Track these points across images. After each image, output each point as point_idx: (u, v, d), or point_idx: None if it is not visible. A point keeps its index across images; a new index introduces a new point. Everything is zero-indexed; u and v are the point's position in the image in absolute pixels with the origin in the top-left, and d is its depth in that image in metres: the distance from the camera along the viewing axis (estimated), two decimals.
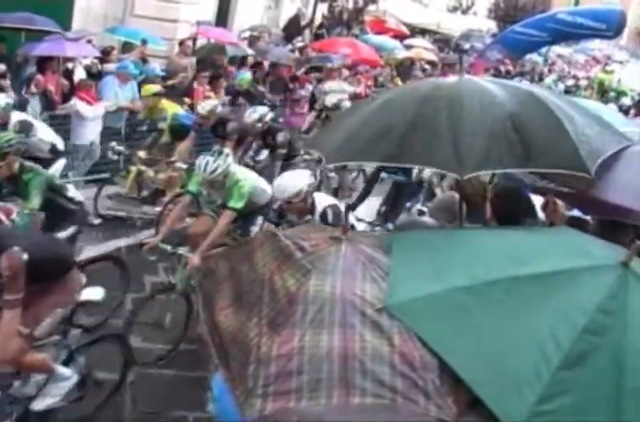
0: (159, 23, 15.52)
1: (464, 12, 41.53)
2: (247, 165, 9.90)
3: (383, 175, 9.38)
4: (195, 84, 13.27)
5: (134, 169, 10.09)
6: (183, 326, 6.60)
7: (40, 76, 10.97)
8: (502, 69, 26.51)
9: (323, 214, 6.47)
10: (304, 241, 3.13)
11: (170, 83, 13.14)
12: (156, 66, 13.50)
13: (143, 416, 5.70)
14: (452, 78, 4.24)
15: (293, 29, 21.81)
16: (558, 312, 2.78)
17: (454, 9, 41.66)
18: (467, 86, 3.97)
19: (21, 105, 10.11)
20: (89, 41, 13.70)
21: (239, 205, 6.87)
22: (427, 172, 9.59)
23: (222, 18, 18.88)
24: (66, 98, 11.44)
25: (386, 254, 3.09)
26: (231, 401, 2.80)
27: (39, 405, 4.78)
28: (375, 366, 2.69)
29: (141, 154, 10.19)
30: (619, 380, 2.66)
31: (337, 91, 13.40)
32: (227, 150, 7.09)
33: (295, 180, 6.53)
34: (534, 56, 30.99)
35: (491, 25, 38.34)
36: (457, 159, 3.51)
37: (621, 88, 27.95)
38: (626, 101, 24.28)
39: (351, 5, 26.06)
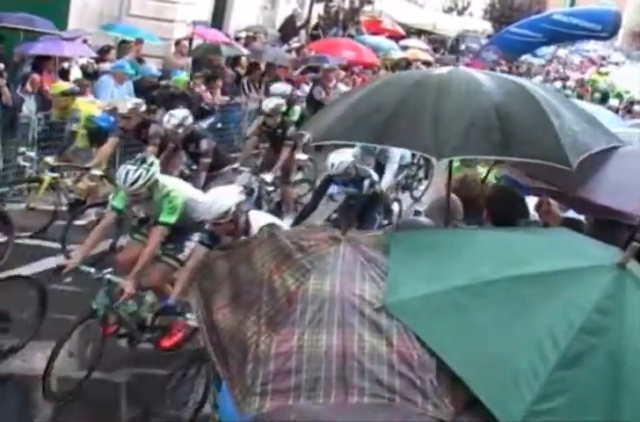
0: (155, 23, 15.54)
1: (460, 13, 41.60)
2: (182, 175, 9.22)
3: (332, 189, 8.91)
4: (191, 84, 13.27)
5: (46, 178, 9.19)
6: (98, 354, 6.17)
7: (36, 76, 10.98)
8: (497, 69, 26.55)
9: None
10: (303, 241, 3.14)
11: (163, 83, 13.14)
12: (152, 66, 13.51)
13: (139, 416, 5.68)
14: (445, 68, 4.28)
15: (289, 29, 21.85)
16: (556, 312, 2.79)
17: (450, 9, 41.73)
18: (458, 75, 4.02)
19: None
20: (84, 41, 13.71)
21: (171, 219, 6.29)
22: (384, 185, 9.45)
23: (219, 18, 18.89)
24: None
25: (385, 254, 3.10)
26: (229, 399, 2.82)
27: None
28: (374, 365, 2.70)
29: (49, 160, 9.26)
30: (616, 379, 2.66)
31: (277, 95, 12.06)
32: (151, 158, 6.42)
33: (222, 199, 5.78)
34: (529, 57, 31.08)
35: (487, 26, 38.43)
36: (435, 143, 3.54)
37: (616, 90, 28.01)
38: (614, 103, 24.27)
39: (347, 6, 26.07)
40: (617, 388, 2.65)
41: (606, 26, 23.63)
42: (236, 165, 9.92)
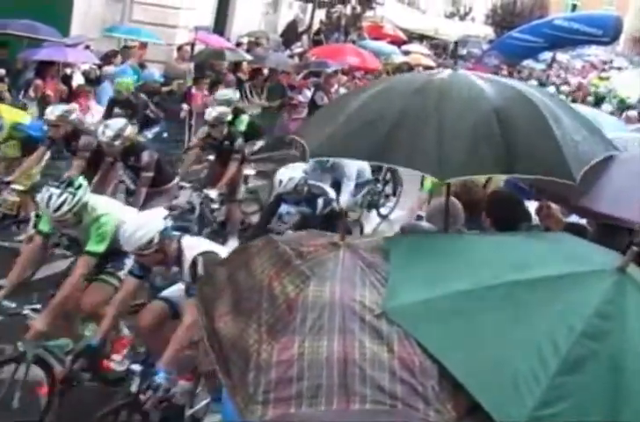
0: (158, 28, 15.57)
1: (462, 18, 41.65)
2: (127, 191, 8.60)
3: (284, 208, 7.99)
4: (194, 90, 13.29)
5: None
6: (40, 406, 5.35)
7: (38, 81, 11.03)
8: (501, 74, 26.57)
9: (194, 265, 5.09)
10: (302, 247, 3.13)
11: (164, 89, 13.15)
12: (155, 71, 13.53)
13: None
14: (446, 71, 4.11)
15: (291, 35, 21.89)
16: (556, 317, 2.79)
17: (452, 15, 41.80)
18: (458, 80, 3.89)
19: None
20: (87, 47, 13.76)
21: (99, 248, 5.60)
22: (342, 204, 8.56)
23: (221, 23, 18.93)
24: (64, 103, 11.45)
25: (385, 259, 3.10)
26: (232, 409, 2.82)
27: None
28: (375, 372, 2.69)
29: None
30: (617, 384, 2.66)
31: (221, 102, 10.80)
32: (79, 181, 5.63)
33: (143, 227, 5.03)
34: (531, 62, 31.11)
35: (489, 31, 38.45)
36: (439, 163, 3.42)
37: (617, 95, 27.99)
38: (606, 108, 24.21)
39: (349, 11, 26.10)
40: (618, 392, 2.65)
41: (607, 31, 23.61)
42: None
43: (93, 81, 12.65)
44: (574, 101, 23.84)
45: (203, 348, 4.98)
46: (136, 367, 5.08)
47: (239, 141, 9.31)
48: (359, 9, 26.60)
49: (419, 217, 6.58)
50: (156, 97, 12.85)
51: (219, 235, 9.28)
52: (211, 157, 10.02)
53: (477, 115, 3.59)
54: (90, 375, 5.52)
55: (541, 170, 3.60)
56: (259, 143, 11.69)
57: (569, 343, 2.69)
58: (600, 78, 35.06)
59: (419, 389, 2.68)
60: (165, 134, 12.63)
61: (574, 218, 5.67)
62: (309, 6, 23.60)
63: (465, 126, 3.54)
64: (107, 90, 12.01)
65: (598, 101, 26.67)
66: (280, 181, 7.54)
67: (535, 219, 5.41)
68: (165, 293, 5.66)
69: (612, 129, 6.97)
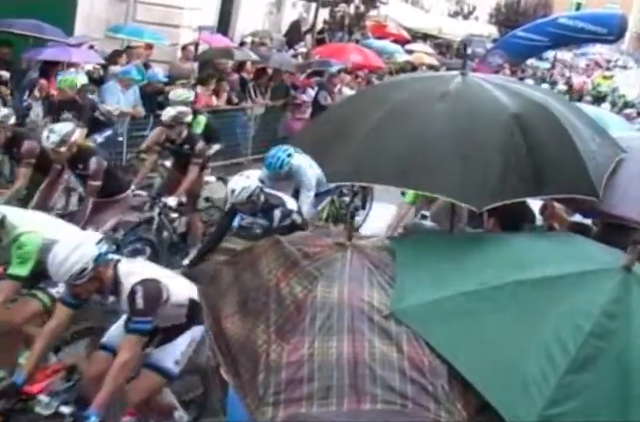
0: (161, 28, 15.56)
1: (466, 17, 41.62)
2: (81, 199, 7.92)
3: (241, 220, 7.31)
4: (199, 89, 13.28)
5: None
6: None
7: (43, 81, 11.03)
8: (503, 73, 26.55)
9: (132, 295, 4.60)
10: (309, 247, 3.13)
11: (168, 89, 13.13)
12: (159, 71, 13.53)
13: None
14: (457, 78, 3.88)
15: (294, 34, 21.88)
16: (564, 316, 2.80)
17: (456, 14, 41.75)
18: (472, 91, 3.76)
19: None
20: (91, 47, 13.77)
21: (22, 271, 5.01)
22: (305, 215, 7.80)
23: (224, 23, 18.92)
24: None
25: (391, 259, 3.10)
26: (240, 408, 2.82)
27: None
28: (385, 372, 2.70)
29: None
30: (625, 383, 2.68)
31: (177, 103, 9.61)
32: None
33: (74, 254, 4.45)
34: (535, 61, 31.10)
35: (493, 30, 38.42)
36: (473, 191, 3.34)
37: (621, 95, 28.03)
38: (605, 106, 24.16)
39: (352, 10, 26.10)
40: (626, 391, 2.67)
41: (611, 30, 23.64)
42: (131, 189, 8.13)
43: (97, 81, 12.66)
44: (571, 100, 23.83)
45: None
46: (66, 410, 4.56)
47: (200, 144, 8.57)
48: (362, 8, 26.58)
49: (424, 216, 6.56)
50: (161, 96, 12.86)
51: (179, 248, 8.69)
52: (167, 163, 9.27)
53: (503, 136, 3.49)
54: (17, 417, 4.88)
55: (568, 189, 3.61)
56: (216, 147, 10.55)
57: (577, 342, 2.70)
58: (604, 77, 35.02)
59: (429, 389, 2.69)
60: (120, 138, 11.70)
61: (578, 217, 5.67)
62: (313, 6, 23.56)
63: (491, 148, 3.45)
64: (112, 90, 12.02)
65: (597, 100, 26.66)
66: (233, 191, 6.85)
67: (539, 218, 5.41)
68: (106, 339, 5.06)
69: (618, 129, 6.98)
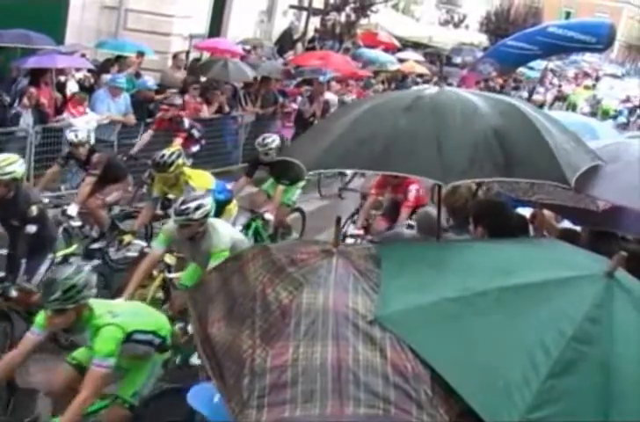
0: (152, 36, 15.57)
1: (456, 26, 41.77)
2: None
3: None
4: (186, 97, 13.28)
5: None
6: None
7: (32, 89, 11.01)
8: (492, 83, 26.67)
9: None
10: (295, 254, 3.17)
11: (158, 97, 13.13)
12: (150, 79, 13.53)
13: None
14: (433, 88, 4.22)
15: (285, 42, 21.90)
16: (547, 321, 2.82)
17: (446, 22, 41.91)
18: (448, 96, 3.98)
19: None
20: (82, 55, 13.76)
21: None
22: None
23: (215, 31, 18.93)
24: (59, 111, 11.48)
25: (377, 266, 3.13)
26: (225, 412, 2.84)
27: None
28: (369, 377, 2.72)
29: None
30: (607, 387, 2.70)
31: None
32: None
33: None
34: (525, 70, 31.20)
35: (483, 39, 38.55)
36: (442, 168, 3.51)
37: (605, 108, 28.22)
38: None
39: (343, 19, 26.17)
40: (607, 394, 2.69)
41: (601, 38, 23.72)
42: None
43: (88, 89, 12.66)
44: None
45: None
46: None
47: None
48: (353, 16, 26.67)
49: (410, 226, 6.60)
50: (152, 104, 12.86)
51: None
52: None
53: (474, 130, 3.68)
54: None
55: (538, 174, 3.73)
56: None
57: (560, 347, 2.72)
58: (586, 87, 35.36)
59: (412, 394, 2.71)
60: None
61: (566, 224, 5.71)
62: (304, 14, 23.65)
63: (463, 139, 3.64)
64: (102, 98, 12.02)
65: (568, 109, 27.04)
66: None
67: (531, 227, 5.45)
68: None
69: (610, 138, 7.04)
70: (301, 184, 9.83)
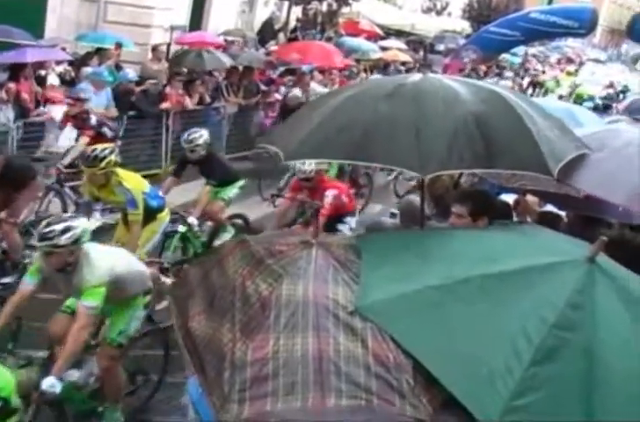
0: (132, 28, 15.46)
1: (439, 13, 41.68)
2: None
3: None
4: (168, 89, 13.21)
5: None
6: None
7: (11, 84, 10.91)
8: (479, 68, 26.66)
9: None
10: (275, 246, 3.15)
11: (137, 89, 13.06)
12: (130, 72, 13.44)
13: None
14: (417, 75, 4.15)
15: (267, 33, 21.81)
16: (529, 308, 2.82)
17: (429, 10, 41.80)
18: (431, 83, 3.92)
19: None
20: (63, 49, 13.66)
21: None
22: None
23: (196, 22, 18.82)
24: (40, 105, 11.39)
25: (357, 257, 3.11)
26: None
27: None
28: (350, 368, 2.71)
29: None
30: (589, 372, 2.70)
31: None
32: None
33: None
34: (507, 56, 31.20)
35: (465, 26, 38.50)
36: (419, 158, 3.46)
37: (579, 91, 28.30)
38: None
39: (325, 8, 26.07)
40: (590, 380, 2.69)
41: (583, 23, 23.74)
42: None
43: (69, 82, 12.56)
44: None
45: None
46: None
47: None
48: (335, 5, 26.55)
49: (393, 215, 6.58)
50: (133, 97, 12.78)
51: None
52: None
53: (454, 117, 3.63)
54: None
55: (520, 165, 3.69)
56: None
57: (542, 334, 2.72)
58: (568, 73, 35.40)
59: (394, 384, 2.70)
60: None
61: (549, 208, 5.72)
62: (285, 4, 23.54)
63: (443, 126, 3.58)
64: (84, 91, 11.92)
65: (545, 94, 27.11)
66: None
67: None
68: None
69: (590, 123, 7.05)
70: (240, 183, 8.86)
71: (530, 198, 5.63)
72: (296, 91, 12.82)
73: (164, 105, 13.01)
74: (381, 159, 3.72)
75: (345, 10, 27.45)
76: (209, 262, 3.33)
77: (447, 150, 3.50)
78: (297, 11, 24.52)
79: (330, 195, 7.64)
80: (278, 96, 15.40)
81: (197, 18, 18.98)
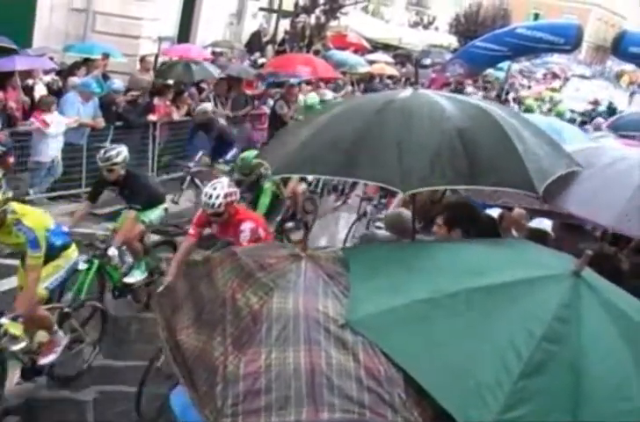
0: (121, 39, 15.47)
1: (426, 27, 41.95)
2: None
3: None
4: (156, 100, 13.20)
5: None
6: None
7: None
8: (465, 82, 26.76)
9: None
10: (264, 259, 3.15)
11: (123, 99, 13.04)
12: (117, 82, 13.42)
13: None
14: (407, 91, 4.17)
15: (255, 45, 21.86)
16: (516, 321, 2.84)
17: (416, 24, 42.08)
18: (418, 99, 3.93)
19: None
20: (51, 58, 13.63)
21: None
22: None
23: (185, 33, 18.87)
24: (27, 114, 11.35)
25: (346, 270, 3.12)
26: (195, 417, 2.80)
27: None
28: (342, 381, 2.71)
29: None
30: (577, 387, 2.73)
31: None
32: None
33: None
34: (494, 72, 31.36)
35: (452, 40, 38.75)
36: (400, 174, 3.46)
37: (559, 109, 28.47)
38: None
39: (313, 21, 26.15)
40: (577, 393, 2.72)
41: (568, 39, 23.85)
42: None
43: (56, 92, 12.53)
44: None
45: None
46: None
47: None
48: (323, 19, 26.64)
49: (379, 227, 6.57)
50: (120, 108, 12.76)
51: None
52: None
53: (439, 133, 3.63)
54: None
55: (504, 182, 3.68)
56: None
57: (530, 347, 2.73)
58: (552, 89, 35.61)
59: (386, 398, 2.70)
60: None
61: (535, 223, 5.74)
62: (274, 16, 23.62)
63: (426, 142, 3.58)
64: (72, 102, 11.89)
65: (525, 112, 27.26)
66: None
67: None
68: None
69: (575, 140, 7.07)
70: (164, 205, 8.11)
71: (517, 210, 5.65)
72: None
73: (152, 117, 13.00)
74: (365, 175, 3.73)
75: (333, 23, 27.53)
76: (197, 274, 3.32)
77: (429, 166, 3.50)
78: (285, 24, 24.58)
79: (247, 229, 6.58)
80: (266, 108, 15.42)
81: (185, 29, 19.02)
